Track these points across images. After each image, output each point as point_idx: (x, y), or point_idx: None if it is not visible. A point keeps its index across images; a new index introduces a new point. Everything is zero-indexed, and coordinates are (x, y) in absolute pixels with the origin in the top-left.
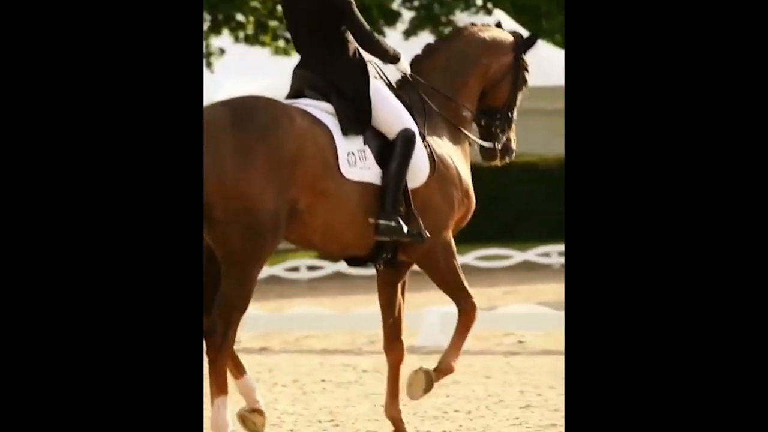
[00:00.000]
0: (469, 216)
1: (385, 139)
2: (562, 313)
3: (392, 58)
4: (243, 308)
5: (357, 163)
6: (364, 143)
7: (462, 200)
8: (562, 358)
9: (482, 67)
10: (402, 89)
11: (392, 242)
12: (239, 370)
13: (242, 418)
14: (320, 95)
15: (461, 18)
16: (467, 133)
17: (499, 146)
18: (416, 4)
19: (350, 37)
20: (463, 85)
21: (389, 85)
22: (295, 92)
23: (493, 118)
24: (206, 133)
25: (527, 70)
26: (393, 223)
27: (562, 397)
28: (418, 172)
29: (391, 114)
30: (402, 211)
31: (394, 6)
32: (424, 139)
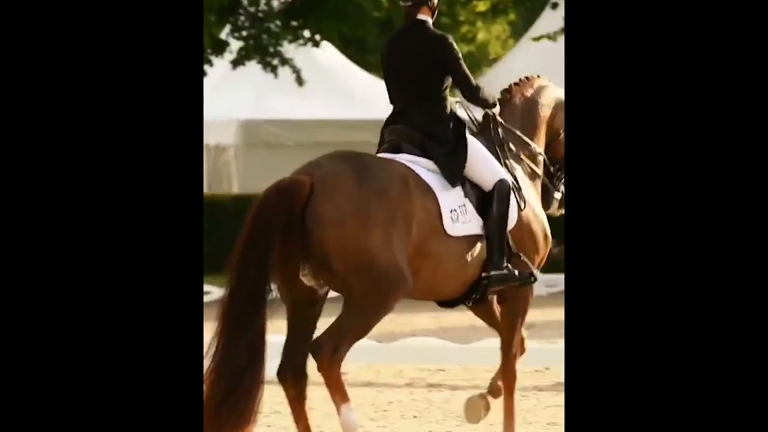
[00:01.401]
0: (545, 256)
1: (482, 191)
2: (385, 344)
3: (492, 105)
4: (357, 338)
5: (459, 218)
6: (465, 197)
7: (544, 239)
8: (383, 390)
9: (551, 118)
10: (483, 130)
11: (484, 284)
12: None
13: None
14: (418, 149)
15: (289, 49)
16: (543, 178)
17: (560, 196)
18: (244, 34)
19: (445, 90)
20: (536, 132)
21: (471, 126)
22: (393, 147)
23: (556, 169)
24: (326, 185)
25: None
26: (505, 272)
27: (383, 429)
28: (510, 217)
29: (487, 167)
30: (507, 257)
31: (223, 35)
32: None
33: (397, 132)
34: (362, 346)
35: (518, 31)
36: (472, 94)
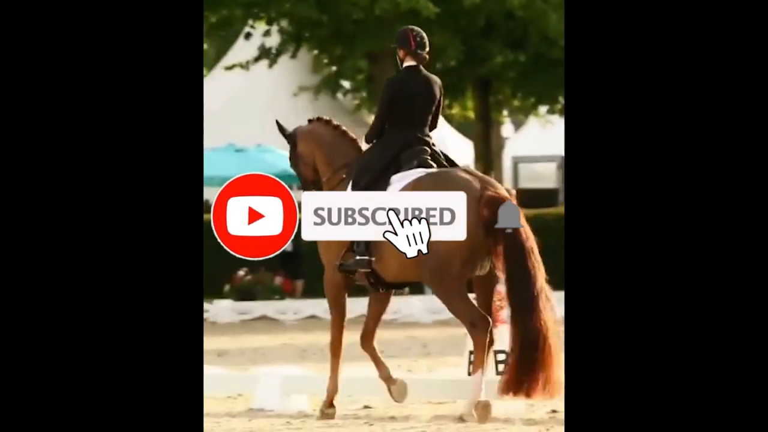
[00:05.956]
0: None
1: None
2: None
3: None
4: None
5: None
6: None
7: None
8: None
9: None
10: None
11: None
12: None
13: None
14: (437, 168)
15: None
16: None
17: None
18: None
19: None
20: None
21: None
22: (425, 165)
23: None
24: (507, 197)
25: None
26: None
27: None
28: None
29: None
30: None
31: None
32: None
33: (421, 153)
34: None
35: (210, 60)
36: (437, 123)
